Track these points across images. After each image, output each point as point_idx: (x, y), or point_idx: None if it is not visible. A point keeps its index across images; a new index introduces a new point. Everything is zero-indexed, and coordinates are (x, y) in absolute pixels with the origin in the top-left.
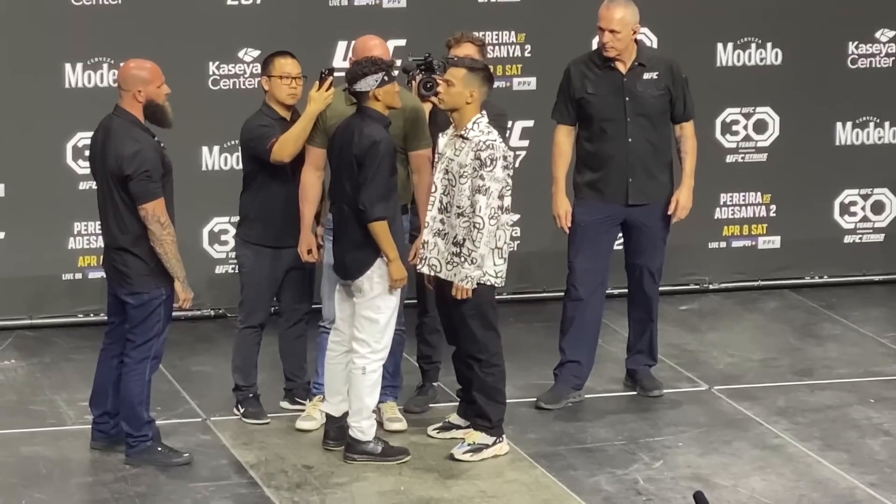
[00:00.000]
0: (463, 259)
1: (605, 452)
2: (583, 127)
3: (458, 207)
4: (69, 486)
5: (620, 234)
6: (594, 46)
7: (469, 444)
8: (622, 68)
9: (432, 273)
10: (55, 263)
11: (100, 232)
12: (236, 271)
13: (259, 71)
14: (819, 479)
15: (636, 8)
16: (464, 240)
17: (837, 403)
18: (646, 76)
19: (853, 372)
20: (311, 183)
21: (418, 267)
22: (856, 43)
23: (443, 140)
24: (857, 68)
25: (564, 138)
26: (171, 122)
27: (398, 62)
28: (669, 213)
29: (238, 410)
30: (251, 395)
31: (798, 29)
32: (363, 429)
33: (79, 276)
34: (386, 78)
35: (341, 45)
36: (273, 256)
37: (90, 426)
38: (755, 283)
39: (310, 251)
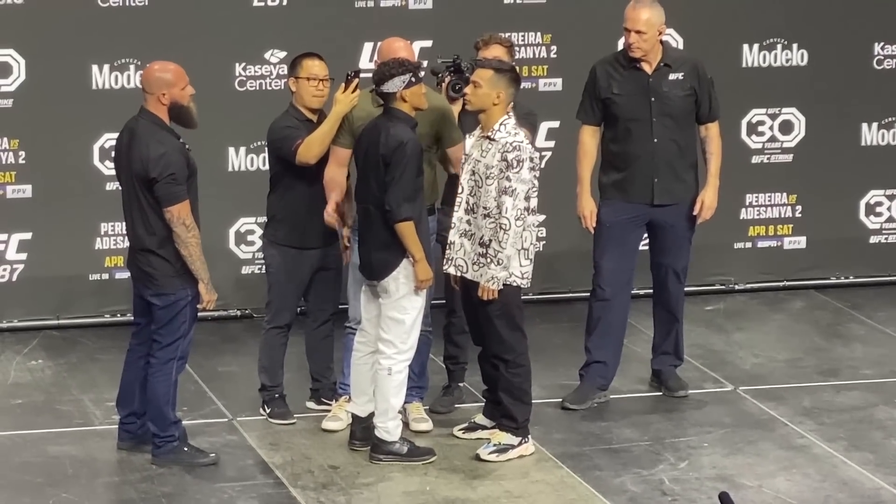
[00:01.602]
0: (489, 260)
1: (631, 453)
2: (608, 127)
3: (485, 208)
4: (96, 485)
5: (646, 235)
6: (620, 47)
7: (495, 445)
8: (648, 69)
9: (458, 273)
10: (82, 264)
11: (120, 232)
12: (262, 271)
13: (285, 72)
14: (844, 479)
15: (662, 9)
16: (490, 241)
17: (863, 404)
18: (671, 76)
19: (879, 372)
20: (335, 175)
21: (445, 267)
22: (881, 44)
23: (469, 141)
24: (883, 69)
25: (589, 138)
26: (196, 123)
27: (424, 63)
28: (695, 213)
29: (264, 411)
30: (277, 395)
31: (824, 30)
32: (389, 429)
33: (105, 276)
34: (413, 79)
35: (367, 47)
36: (299, 257)
37: (117, 426)
38: (781, 284)
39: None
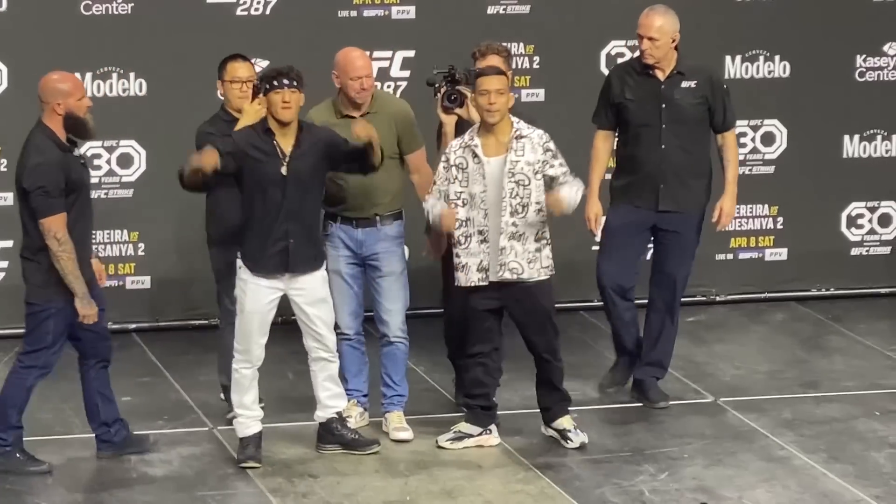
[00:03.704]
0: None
1: (611, 464)
2: (621, 132)
3: (537, 203)
4: (76, 494)
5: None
6: (602, 59)
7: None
8: (661, 75)
9: (515, 277)
10: None
11: (106, 241)
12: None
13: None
14: (824, 491)
15: (676, 16)
16: (545, 231)
17: (843, 416)
18: (684, 84)
19: (859, 384)
20: None
21: (499, 273)
22: (864, 56)
23: (457, 146)
24: (865, 81)
25: (602, 143)
26: (92, 135)
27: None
28: (713, 220)
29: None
30: None
31: (806, 42)
32: (235, 425)
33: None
34: (266, 87)
35: None
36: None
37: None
38: (762, 295)
39: None
